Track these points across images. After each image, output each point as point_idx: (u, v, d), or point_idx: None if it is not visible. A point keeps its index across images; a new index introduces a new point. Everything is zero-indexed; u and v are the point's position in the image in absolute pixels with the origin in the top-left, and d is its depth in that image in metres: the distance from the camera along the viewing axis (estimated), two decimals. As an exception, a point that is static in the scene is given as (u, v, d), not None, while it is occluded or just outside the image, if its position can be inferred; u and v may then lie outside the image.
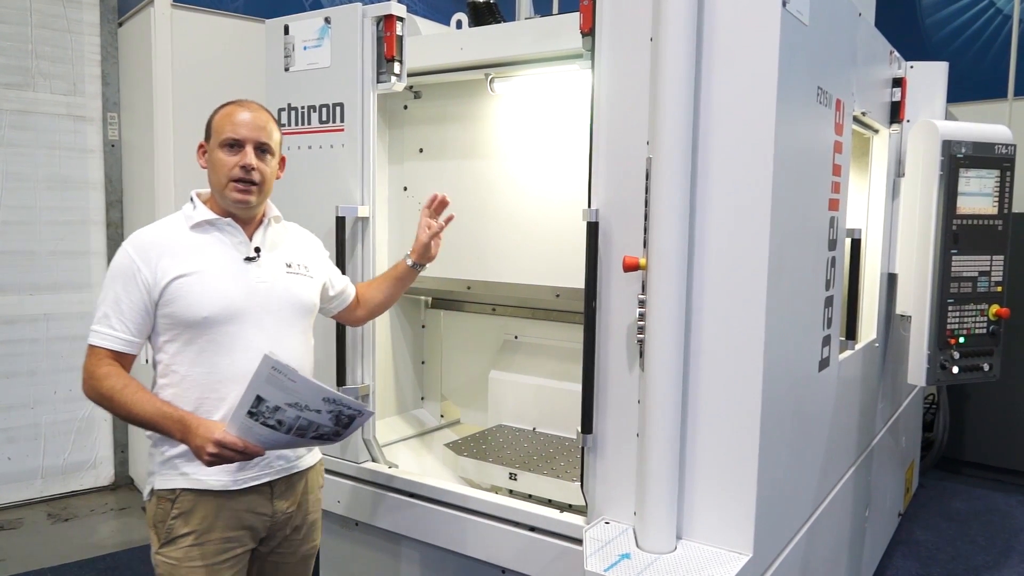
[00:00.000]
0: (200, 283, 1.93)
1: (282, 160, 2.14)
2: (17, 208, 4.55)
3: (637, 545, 2.02)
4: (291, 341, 2.07)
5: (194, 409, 1.92)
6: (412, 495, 2.66)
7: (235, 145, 1.97)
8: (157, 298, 1.92)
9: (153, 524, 1.99)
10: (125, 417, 1.90)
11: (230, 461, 1.84)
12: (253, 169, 1.97)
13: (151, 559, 2.01)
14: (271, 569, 2.16)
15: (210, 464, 1.83)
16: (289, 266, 2.11)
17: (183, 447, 1.90)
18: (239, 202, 1.98)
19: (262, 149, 2.01)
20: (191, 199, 2.06)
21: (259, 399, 1.77)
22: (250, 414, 1.78)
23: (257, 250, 2.04)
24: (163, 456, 1.98)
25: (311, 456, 2.20)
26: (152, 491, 2.00)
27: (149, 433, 1.98)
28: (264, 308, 2.01)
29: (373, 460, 2.82)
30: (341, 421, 1.86)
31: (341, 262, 2.67)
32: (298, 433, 1.84)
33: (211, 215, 2.01)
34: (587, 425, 2.17)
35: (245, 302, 1.98)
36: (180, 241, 1.97)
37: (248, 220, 2.06)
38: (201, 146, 2.05)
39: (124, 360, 1.95)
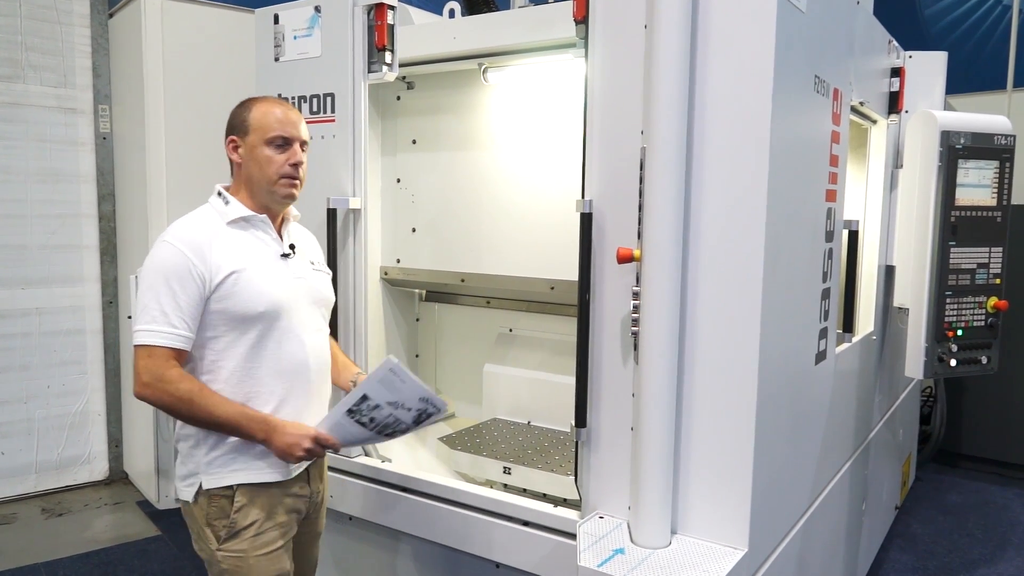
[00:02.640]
0: (253, 278, 1.98)
1: None
2: (8, 201, 4.52)
3: (631, 540, 2.00)
4: (323, 335, 2.19)
5: (243, 404, 1.97)
6: (406, 489, 2.64)
7: (284, 144, 2.04)
8: (210, 293, 1.94)
9: (208, 523, 2.02)
10: (200, 420, 1.93)
11: (317, 456, 2.00)
12: (302, 165, 2.07)
13: (206, 556, 2.05)
14: (300, 544, 2.25)
15: (298, 460, 1.97)
16: (312, 263, 2.21)
17: (231, 445, 1.98)
18: (287, 197, 2.07)
19: (302, 147, 2.10)
20: (219, 194, 2.09)
21: (364, 398, 1.87)
22: (349, 412, 1.89)
23: (292, 247, 2.13)
24: (209, 455, 2.00)
25: None
26: (200, 491, 2.02)
27: (189, 433, 2.02)
28: (302, 303, 2.09)
29: (366, 455, 2.80)
30: (421, 419, 1.97)
31: (332, 255, 2.65)
32: (379, 430, 1.95)
33: (247, 211, 2.05)
34: (581, 419, 2.15)
35: (289, 297, 2.05)
36: (222, 236, 2.00)
37: (275, 217, 2.12)
38: (233, 141, 2.07)
39: (181, 359, 1.95)
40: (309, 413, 2.07)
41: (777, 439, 2.11)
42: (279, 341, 2.01)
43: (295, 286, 2.08)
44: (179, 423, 2.03)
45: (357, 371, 2.33)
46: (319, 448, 1.94)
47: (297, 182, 2.07)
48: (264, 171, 2.04)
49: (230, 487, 2.00)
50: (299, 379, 2.07)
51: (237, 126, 2.07)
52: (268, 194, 2.06)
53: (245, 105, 2.09)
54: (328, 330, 2.24)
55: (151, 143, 4.31)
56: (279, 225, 2.13)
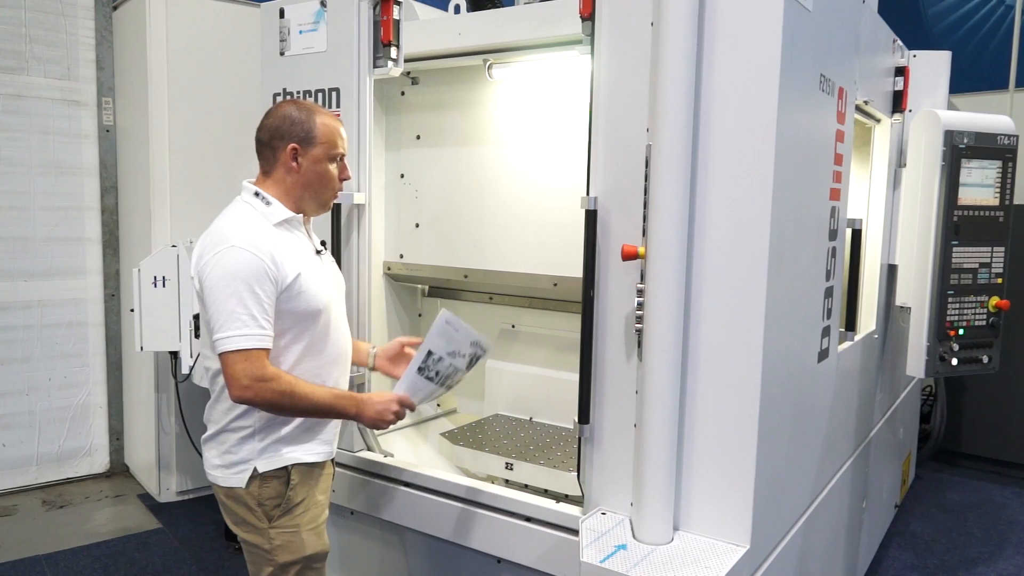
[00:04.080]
0: (311, 278, 2.09)
1: None
2: (11, 193, 4.52)
3: (633, 536, 2.00)
4: (348, 325, 2.32)
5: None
6: (408, 484, 2.65)
7: (340, 159, 2.18)
8: (280, 293, 2.01)
9: (259, 503, 2.11)
10: (300, 409, 2.03)
11: (401, 419, 2.13)
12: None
13: (253, 538, 2.12)
14: None
15: (388, 425, 2.11)
16: (333, 259, 2.36)
17: (280, 433, 2.09)
18: (331, 207, 2.31)
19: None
20: (258, 195, 2.10)
21: (429, 354, 2.04)
22: (419, 370, 2.06)
23: (324, 243, 2.28)
24: (265, 441, 2.09)
25: None
26: (255, 475, 2.09)
27: (243, 425, 2.08)
28: (337, 295, 2.24)
29: (369, 449, 2.81)
30: (472, 363, 2.18)
31: (337, 249, 2.65)
32: (441, 382, 2.13)
33: (289, 213, 2.12)
34: (584, 415, 2.16)
35: (330, 291, 2.18)
36: (278, 239, 2.06)
37: (307, 217, 2.24)
38: (295, 149, 2.08)
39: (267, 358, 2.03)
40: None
41: (780, 437, 2.12)
42: (329, 333, 2.16)
43: (331, 280, 2.23)
44: (226, 416, 2.10)
45: (372, 345, 2.48)
46: (403, 410, 2.11)
47: None
48: (327, 185, 2.16)
49: (285, 468, 2.11)
50: (343, 364, 2.26)
51: (301, 136, 2.08)
52: (319, 204, 2.19)
53: (303, 113, 2.10)
54: None
55: (154, 136, 4.31)
56: (305, 223, 2.23)
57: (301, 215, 2.16)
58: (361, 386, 2.73)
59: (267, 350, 1.97)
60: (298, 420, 2.10)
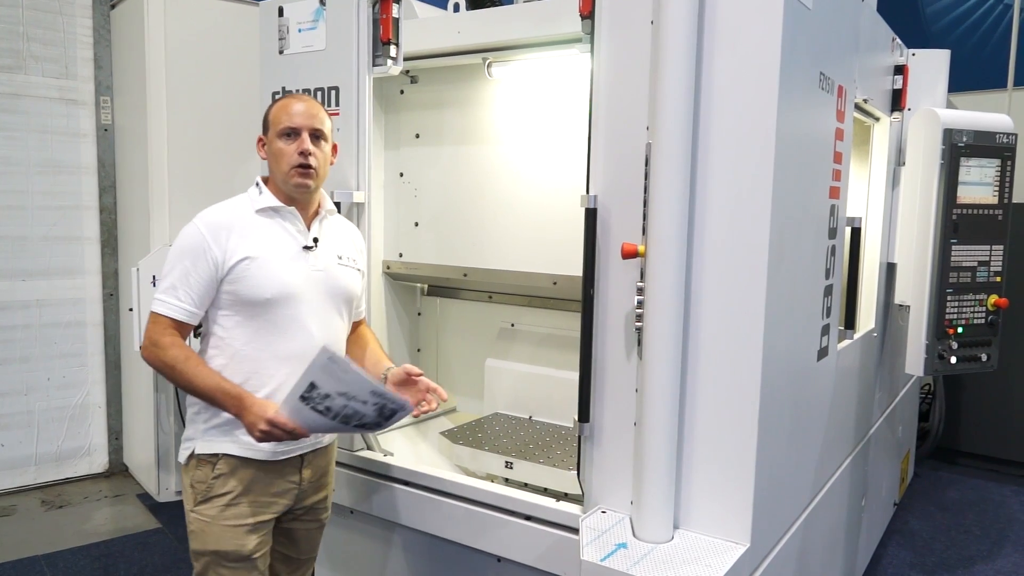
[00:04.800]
0: (265, 266, 2.07)
1: (334, 147, 2.28)
2: (9, 193, 4.51)
3: (634, 535, 2.00)
4: (338, 328, 2.25)
5: (241, 383, 2.06)
6: (407, 483, 2.64)
7: (292, 134, 2.12)
8: (223, 275, 2.05)
9: (191, 484, 2.15)
10: (183, 386, 2.06)
11: (278, 440, 2.00)
12: (310, 154, 2.11)
13: (185, 517, 2.18)
14: (300, 536, 2.36)
15: (260, 440, 1.99)
16: (340, 258, 2.26)
17: (226, 417, 2.08)
18: (300, 186, 2.13)
19: (316, 136, 2.15)
20: (256, 184, 2.19)
21: (312, 385, 1.88)
22: (302, 399, 1.90)
23: (315, 240, 2.19)
24: (207, 424, 2.13)
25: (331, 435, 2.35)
26: (192, 455, 2.15)
27: (194, 401, 2.14)
28: (318, 295, 2.16)
29: (368, 448, 2.80)
30: (384, 414, 1.98)
31: (336, 248, 2.64)
32: (343, 420, 1.96)
33: (276, 202, 2.14)
34: (584, 414, 2.16)
35: (302, 288, 2.12)
36: (248, 223, 2.10)
37: (306, 209, 2.20)
38: (260, 139, 2.21)
39: (183, 329, 2.09)
40: None
41: (779, 435, 2.12)
42: (285, 328, 2.10)
43: (312, 278, 2.15)
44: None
45: (388, 365, 2.35)
46: (279, 431, 1.95)
47: (311, 171, 2.12)
48: (278, 163, 2.14)
49: (216, 455, 2.12)
50: (299, 366, 2.04)
51: (263, 127, 2.20)
52: (285, 184, 2.15)
53: (271, 105, 2.21)
54: (347, 324, 2.31)
55: (153, 135, 4.30)
56: (311, 217, 2.21)
57: (294, 208, 2.16)
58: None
59: (176, 321, 2.04)
60: None
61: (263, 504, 2.16)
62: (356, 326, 2.46)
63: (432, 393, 2.28)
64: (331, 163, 2.26)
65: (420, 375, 2.28)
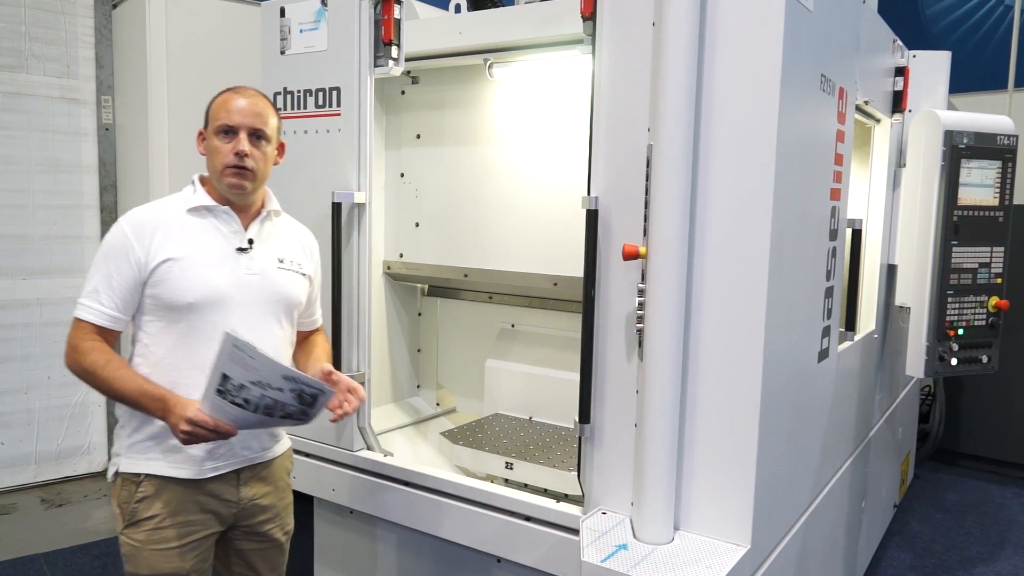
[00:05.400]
0: (189, 268, 1.94)
1: (281, 146, 2.13)
2: (10, 191, 4.51)
3: (634, 536, 2.01)
4: (276, 336, 2.08)
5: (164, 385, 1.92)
6: (407, 483, 2.64)
7: (229, 132, 1.97)
8: (146, 278, 1.93)
9: (118, 504, 2.01)
10: (106, 392, 1.93)
11: (204, 439, 1.85)
12: (246, 155, 1.96)
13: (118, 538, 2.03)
14: (255, 557, 2.18)
15: (185, 443, 1.84)
16: (281, 261, 2.11)
17: (148, 432, 1.96)
18: (234, 187, 1.99)
19: (257, 135, 2.00)
20: (192, 182, 2.06)
21: (224, 377, 1.77)
22: (219, 392, 1.78)
23: (250, 241, 2.04)
24: (129, 440, 1.99)
25: (279, 445, 2.20)
26: (117, 473, 2.01)
27: (119, 414, 2.03)
28: (250, 300, 2.01)
29: (368, 448, 2.80)
30: (304, 400, 1.84)
31: (337, 248, 2.64)
32: (266, 412, 1.83)
33: (209, 201, 2.01)
34: (585, 415, 2.16)
35: (231, 292, 1.98)
36: (176, 223, 1.97)
37: (245, 210, 2.06)
38: (200, 133, 2.06)
39: (108, 335, 1.97)
40: None
41: (780, 437, 2.12)
42: (210, 336, 1.90)
43: (245, 281, 2.00)
44: None
45: (325, 368, 2.13)
46: (202, 430, 1.81)
47: (247, 172, 1.97)
48: (212, 161, 2.00)
49: (138, 475, 1.98)
50: None
51: (204, 117, 2.04)
52: (219, 183, 2.00)
53: (214, 96, 2.05)
54: (288, 332, 2.14)
55: (154, 135, 4.30)
56: (250, 218, 2.07)
57: (228, 206, 2.02)
58: (361, 384, 2.73)
59: (98, 327, 1.93)
60: (160, 422, 1.90)
61: (195, 524, 2.00)
62: (309, 335, 2.33)
63: (352, 393, 2.06)
64: (276, 163, 2.10)
65: (334, 373, 2.09)
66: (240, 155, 1.95)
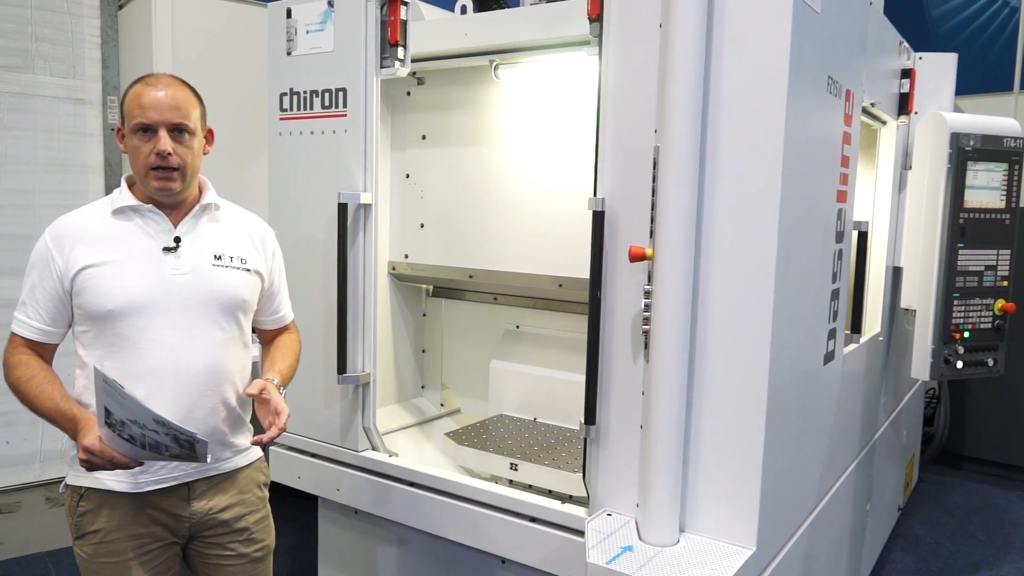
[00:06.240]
0: (108, 274, 1.84)
1: (209, 134, 2.01)
2: (16, 191, 4.52)
3: (639, 538, 2.00)
4: (209, 339, 1.93)
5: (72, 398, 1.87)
6: (412, 484, 2.65)
7: (148, 130, 1.84)
8: (69, 288, 1.86)
9: (68, 516, 1.97)
10: (30, 408, 1.85)
11: (102, 468, 1.76)
12: (169, 154, 1.84)
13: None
14: (218, 572, 2.07)
15: (87, 468, 1.78)
16: (218, 257, 1.97)
17: None
18: (161, 190, 1.88)
19: (178, 130, 1.87)
20: (120, 183, 1.97)
21: (107, 411, 1.68)
22: (107, 424, 1.70)
23: (177, 240, 1.92)
24: (73, 451, 1.88)
25: (241, 457, 2.09)
26: (66, 484, 1.98)
27: None
28: (178, 302, 1.89)
29: (373, 448, 2.80)
30: (182, 444, 1.72)
31: (343, 249, 2.65)
32: (153, 449, 1.72)
33: (133, 201, 1.91)
34: (590, 416, 2.16)
35: (156, 295, 1.86)
36: (98, 228, 1.88)
37: (177, 207, 1.95)
38: (118, 130, 1.92)
39: (43, 349, 1.91)
40: (190, 425, 1.79)
41: (786, 439, 2.12)
42: (136, 343, 1.84)
43: (173, 282, 1.88)
44: None
45: (271, 376, 2.05)
46: (97, 459, 1.72)
47: (172, 172, 1.86)
48: (134, 164, 1.88)
49: (80, 488, 1.93)
50: (162, 386, 1.86)
51: (119, 114, 1.92)
52: (145, 186, 1.90)
53: (127, 88, 1.91)
54: (238, 330, 2.01)
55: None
56: (182, 214, 1.95)
57: (152, 204, 1.91)
58: (366, 385, 2.73)
59: (29, 340, 1.87)
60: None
61: (142, 537, 1.93)
62: (278, 333, 2.23)
63: (277, 416, 1.91)
64: (206, 152, 1.98)
65: (266, 390, 1.94)
66: (162, 155, 1.83)
